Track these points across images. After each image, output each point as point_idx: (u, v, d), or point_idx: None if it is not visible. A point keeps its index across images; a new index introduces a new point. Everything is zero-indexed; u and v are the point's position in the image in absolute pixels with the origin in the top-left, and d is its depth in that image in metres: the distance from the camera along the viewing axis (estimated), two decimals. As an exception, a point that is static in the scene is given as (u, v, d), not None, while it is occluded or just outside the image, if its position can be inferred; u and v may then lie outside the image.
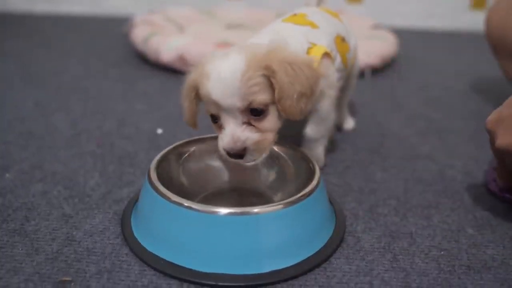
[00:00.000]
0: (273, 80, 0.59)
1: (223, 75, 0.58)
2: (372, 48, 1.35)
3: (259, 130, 0.61)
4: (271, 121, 0.62)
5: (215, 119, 0.62)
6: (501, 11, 1.02)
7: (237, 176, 0.71)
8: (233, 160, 0.61)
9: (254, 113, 0.60)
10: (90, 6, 2.03)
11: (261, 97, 0.60)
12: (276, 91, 0.59)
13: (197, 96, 0.63)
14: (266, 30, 0.72)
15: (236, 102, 0.59)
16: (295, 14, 0.75)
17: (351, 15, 1.68)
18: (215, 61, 0.60)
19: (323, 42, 0.70)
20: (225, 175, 0.71)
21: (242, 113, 0.60)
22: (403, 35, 1.61)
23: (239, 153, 0.60)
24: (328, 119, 0.73)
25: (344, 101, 0.93)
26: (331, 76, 0.69)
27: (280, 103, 0.60)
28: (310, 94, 0.62)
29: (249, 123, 0.60)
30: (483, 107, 1.14)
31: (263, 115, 0.61)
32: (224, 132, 0.61)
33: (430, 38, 1.87)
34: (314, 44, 0.68)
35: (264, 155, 0.62)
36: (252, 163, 0.61)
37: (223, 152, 0.61)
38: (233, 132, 0.60)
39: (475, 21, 1.95)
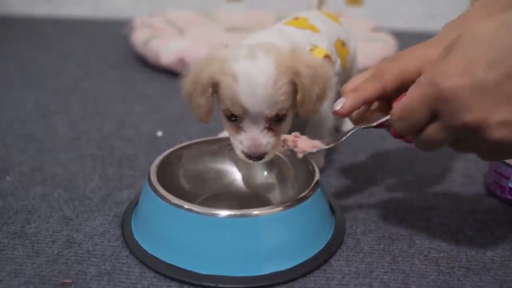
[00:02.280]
0: (298, 84, 0.59)
1: (255, 81, 0.56)
2: (372, 50, 1.35)
3: (276, 133, 0.61)
4: (287, 124, 0.62)
5: (233, 118, 0.61)
6: None
7: (237, 179, 0.71)
8: (250, 161, 0.61)
9: (276, 118, 0.60)
10: (90, 9, 2.04)
11: (287, 105, 0.60)
12: (300, 95, 0.59)
13: (214, 93, 0.62)
14: (270, 31, 0.72)
15: (265, 110, 0.58)
16: (296, 18, 0.75)
17: (351, 17, 1.69)
18: (242, 61, 0.58)
19: (324, 45, 0.70)
20: (225, 178, 0.71)
21: (267, 121, 0.60)
22: (403, 37, 1.61)
23: (259, 157, 0.60)
24: (326, 120, 0.73)
25: None
26: (330, 78, 0.70)
27: (301, 106, 0.61)
28: (324, 95, 0.63)
29: (269, 128, 0.60)
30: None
31: (283, 120, 0.61)
32: (243, 135, 0.60)
33: (429, 40, 1.87)
34: (316, 46, 0.69)
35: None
36: (265, 160, 0.61)
37: (241, 155, 0.61)
38: (255, 137, 0.59)
39: (474, 23, 1.95)
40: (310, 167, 0.65)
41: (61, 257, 0.57)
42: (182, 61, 1.25)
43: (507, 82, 0.44)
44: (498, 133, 0.45)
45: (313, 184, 0.60)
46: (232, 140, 0.62)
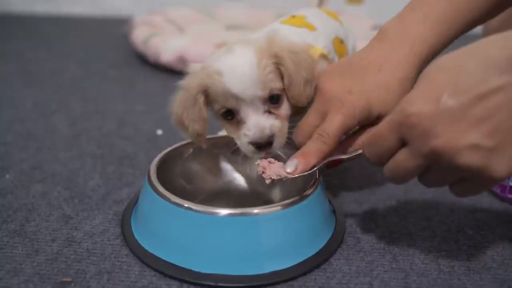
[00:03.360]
0: (282, 68, 0.59)
1: (240, 68, 0.57)
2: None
3: (278, 116, 0.61)
4: (286, 107, 0.62)
5: (230, 115, 0.60)
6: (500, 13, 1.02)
7: (237, 177, 0.71)
8: (261, 153, 0.60)
9: (272, 101, 0.60)
10: (90, 7, 2.04)
11: (278, 84, 0.60)
12: (285, 79, 0.59)
13: (206, 101, 0.61)
14: (263, 31, 0.71)
15: (257, 91, 0.58)
16: (293, 16, 0.75)
17: (351, 15, 1.69)
18: (222, 58, 0.59)
19: (320, 44, 0.69)
20: (224, 176, 0.71)
21: (263, 102, 0.59)
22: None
23: (268, 141, 0.59)
24: None
25: None
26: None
27: (289, 91, 0.60)
28: (312, 79, 0.62)
29: (269, 111, 0.60)
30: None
31: (280, 102, 0.61)
32: (245, 126, 0.59)
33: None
34: (311, 46, 0.68)
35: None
36: (278, 149, 0.61)
37: (249, 148, 0.60)
38: (258, 122, 0.59)
39: (475, 21, 1.95)
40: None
41: (60, 256, 0.57)
42: (182, 60, 1.25)
43: (474, 107, 0.43)
44: (466, 158, 0.44)
45: (313, 182, 0.60)
46: (236, 139, 0.61)
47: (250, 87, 0.57)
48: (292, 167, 0.58)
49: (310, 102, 0.63)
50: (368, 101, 0.57)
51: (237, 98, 0.58)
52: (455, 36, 0.61)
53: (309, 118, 0.60)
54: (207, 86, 0.59)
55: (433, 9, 0.61)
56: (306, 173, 0.58)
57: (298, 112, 0.64)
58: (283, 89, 0.61)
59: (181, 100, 0.61)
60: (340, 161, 0.59)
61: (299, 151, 0.59)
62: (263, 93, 0.58)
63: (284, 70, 0.59)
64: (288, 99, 0.62)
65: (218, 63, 0.59)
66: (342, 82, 0.59)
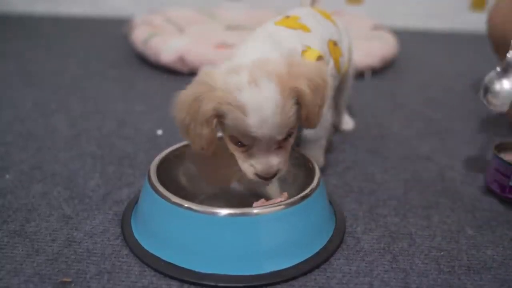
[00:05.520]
0: (301, 101, 0.58)
1: (265, 110, 0.55)
2: (372, 49, 1.35)
3: (284, 149, 0.61)
4: (294, 138, 0.62)
5: (239, 143, 0.59)
6: (503, 10, 1.02)
7: (237, 177, 0.71)
8: (264, 182, 0.61)
9: (285, 137, 0.60)
10: (90, 7, 2.04)
11: (295, 124, 0.60)
12: (304, 110, 0.59)
13: (219, 124, 0.60)
14: (260, 34, 0.69)
15: (276, 135, 0.57)
16: (287, 17, 0.74)
17: (351, 15, 1.69)
18: (246, 91, 0.55)
19: (316, 46, 0.69)
20: (224, 176, 0.71)
21: (276, 142, 0.59)
22: (403, 35, 1.61)
23: (272, 176, 0.60)
24: (324, 120, 0.73)
25: (342, 102, 0.93)
26: (327, 81, 0.69)
27: (306, 120, 0.60)
28: (324, 102, 0.62)
29: (278, 147, 0.60)
30: (483, 107, 1.13)
31: (291, 137, 0.61)
32: (254, 160, 0.59)
33: (430, 39, 1.87)
34: (309, 48, 0.67)
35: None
36: (278, 176, 0.61)
37: (253, 176, 0.60)
38: (267, 160, 0.59)
39: (475, 21, 1.95)
40: (310, 165, 0.65)
41: (60, 256, 0.57)
42: (182, 60, 1.25)
43: None
44: None
45: (313, 183, 0.60)
46: (240, 163, 0.61)
47: (271, 131, 0.57)
48: None
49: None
50: None
51: (254, 138, 0.57)
52: None
53: None
54: (224, 113, 0.57)
55: None
56: None
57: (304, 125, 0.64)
58: (298, 119, 0.60)
59: (189, 110, 0.58)
60: None
61: None
62: (281, 136, 0.58)
63: (303, 102, 0.58)
64: (300, 123, 0.62)
65: (241, 96, 0.55)
66: None
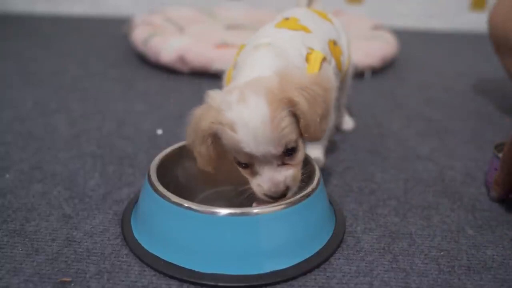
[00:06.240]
0: (297, 112, 0.57)
1: (252, 125, 0.54)
2: (372, 48, 1.35)
3: (292, 165, 0.59)
4: (301, 153, 0.60)
5: (243, 164, 0.59)
6: (504, 10, 1.02)
7: (237, 177, 0.71)
8: (274, 201, 0.59)
9: (287, 152, 0.58)
10: (90, 7, 2.04)
11: (293, 136, 0.57)
12: (301, 121, 0.57)
13: (215, 142, 0.59)
14: (260, 40, 0.66)
15: (271, 150, 0.55)
16: (287, 19, 0.73)
17: (351, 15, 1.69)
18: (234, 108, 0.55)
19: (318, 47, 0.68)
20: (225, 176, 0.71)
21: (278, 158, 0.57)
22: (403, 35, 1.61)
23: (282, 194, 0.58)
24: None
25: (342, 101, 0.93)
26: (331, 78, 0.69)
27: (306, 132, 0.58)
28: (327, 112, 0.61)
29: (282, 163, 0.58)
30: (483, 107, 1.14)
31: (296, 151, 0.59)
32: (260, 178, 0.58)
33: (430, 39, 1.88)
34: (312, 50, 0.67)
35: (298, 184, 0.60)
36: (289, 195, 0.59)
37: (263, 197, 0.58)
38: (271, 177, 0.57)
39: (475, 21, 1.95)
40: (311, 165, 0.65)
41: (60, 256, 0.57)
42: (182, 59, 1.25)
43: None
44: None
45: (313, 182, 0.60)
46: (251, 185, 0.59)
47: (263, 146, 0.55)
48: None
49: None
50: None
51: (250, 155, 0.56)
52: None
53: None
54: (218, 132, 0.57)
55: None
56: None
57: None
58: (300, 133, 0.59)
59: (192, 131, 0.59)
60: None
61: None
62: (276, 150, 0.56)
63: (299, 113, 0.57)
64: (302, 136, 0.60)
65: (230, 113, 0.55)
66: None
